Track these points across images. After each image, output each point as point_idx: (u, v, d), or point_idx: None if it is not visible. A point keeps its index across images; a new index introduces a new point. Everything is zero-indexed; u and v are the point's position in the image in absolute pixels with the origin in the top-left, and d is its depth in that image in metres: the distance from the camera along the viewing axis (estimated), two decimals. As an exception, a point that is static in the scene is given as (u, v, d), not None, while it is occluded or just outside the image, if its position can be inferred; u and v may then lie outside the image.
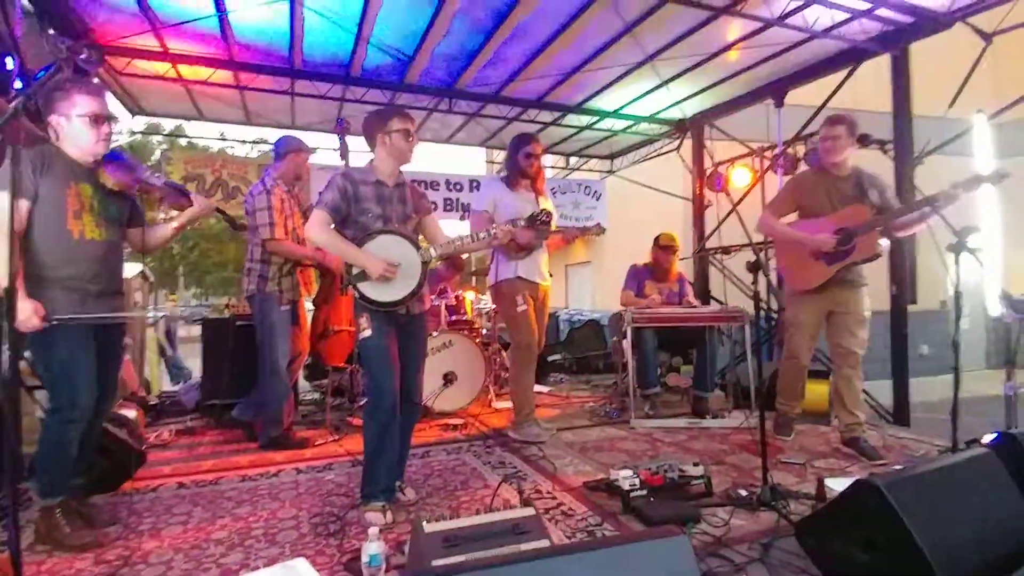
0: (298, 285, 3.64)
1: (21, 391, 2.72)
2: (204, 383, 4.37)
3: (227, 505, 2.61)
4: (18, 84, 2.96)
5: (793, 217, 3.39)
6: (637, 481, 2.46)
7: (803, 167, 5.25)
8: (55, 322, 2.05)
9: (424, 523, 1.71)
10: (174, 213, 2.55)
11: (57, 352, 2.14)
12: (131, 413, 3.49)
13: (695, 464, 2.64)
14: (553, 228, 3.44)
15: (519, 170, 3.60)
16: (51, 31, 3.70)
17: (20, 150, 1.49)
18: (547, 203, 3.64)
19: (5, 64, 2.70)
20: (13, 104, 1.46)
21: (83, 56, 2.33)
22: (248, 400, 3.76)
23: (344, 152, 3.62)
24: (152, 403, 4.70)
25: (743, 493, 2.50)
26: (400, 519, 2.37)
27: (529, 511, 1.80)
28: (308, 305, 3.99)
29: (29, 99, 1.53)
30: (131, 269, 5.31)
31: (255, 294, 3.49)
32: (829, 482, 2.41)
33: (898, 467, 3.01)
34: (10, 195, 1.66)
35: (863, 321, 3.22)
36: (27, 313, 1.98)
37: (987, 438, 2.84)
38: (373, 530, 1.86)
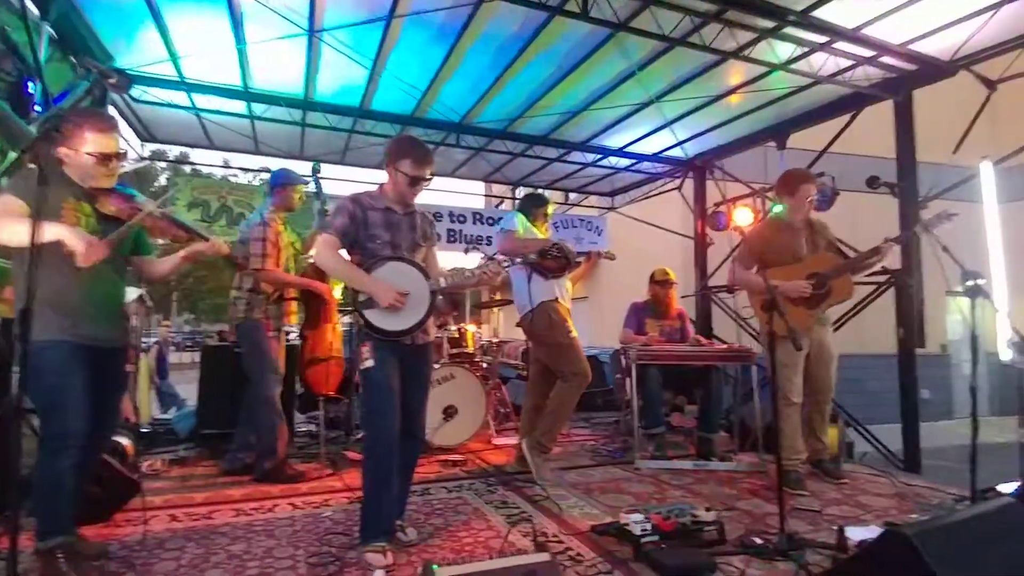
0: (284, 314, 3.65)
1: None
2: (201, 411, 4.26)
3: (221, 541, 2.50)
4: (38, 108, 3.00)
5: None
6: (648, 526, 2.37)
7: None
8: (44, 343, 1.93)
9: (436, 568, 1.64)
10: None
11: (46, 376, 1.99)
12: (124, 441, 3.38)
13: (707, 509, 2.56)
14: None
15: (534, 224, 3.73)
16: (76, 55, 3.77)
17: (45, 173, 1.46)
18: None
19: (27, 87, 2.73)
20: (41, 130, 1.44)
21: (112, 81, 2.33)
22: (237, 445, 3.66)
23: (319, 193, 3.84)
24: (144, 431, 4.57)
25: (758, 541, 2.41)
26: (401, 561, 2.27)
27: (544, 556, 1.73)
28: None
29: (55, 123, 1.50)
30: (130, 293, 5.23)
31: (243, 322, 3.47)
32: (849, 531, 2.33)
33: (915, 516, 2.94)
34: (33, 216, 1.55)
35: (834, 357, 3.49)
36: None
37: (1006, 487, 2.79)
38: (379, 573, 1.78)
